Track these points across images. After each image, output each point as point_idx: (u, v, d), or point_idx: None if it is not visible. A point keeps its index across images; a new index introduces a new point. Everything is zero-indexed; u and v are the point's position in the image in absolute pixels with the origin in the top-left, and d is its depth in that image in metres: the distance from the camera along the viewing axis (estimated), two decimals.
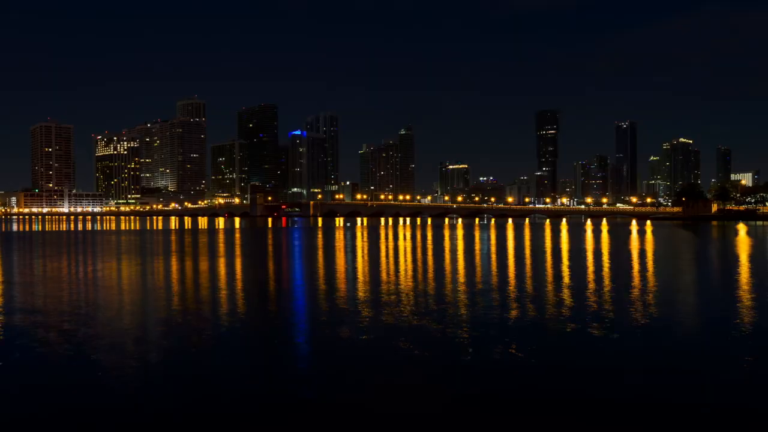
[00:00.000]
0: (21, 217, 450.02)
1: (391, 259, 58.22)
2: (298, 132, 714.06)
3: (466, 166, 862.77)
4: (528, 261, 56.86)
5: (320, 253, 69.81)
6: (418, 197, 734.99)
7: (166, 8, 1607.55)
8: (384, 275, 44.12)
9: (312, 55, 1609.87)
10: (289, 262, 58.58)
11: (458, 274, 44.90)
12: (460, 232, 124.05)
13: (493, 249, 73.26)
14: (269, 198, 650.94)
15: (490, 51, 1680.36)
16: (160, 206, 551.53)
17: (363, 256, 63.11)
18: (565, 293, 34.52)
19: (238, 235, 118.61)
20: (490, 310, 28.75)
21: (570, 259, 59.00)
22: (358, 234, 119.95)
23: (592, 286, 37.90)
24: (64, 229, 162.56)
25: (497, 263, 54.10)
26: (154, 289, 38.15)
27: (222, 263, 55.51)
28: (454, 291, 35.64)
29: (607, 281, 40.55)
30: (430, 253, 67.65)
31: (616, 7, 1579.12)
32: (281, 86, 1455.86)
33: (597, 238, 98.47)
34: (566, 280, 41.07)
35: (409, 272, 46.42)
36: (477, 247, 78.14)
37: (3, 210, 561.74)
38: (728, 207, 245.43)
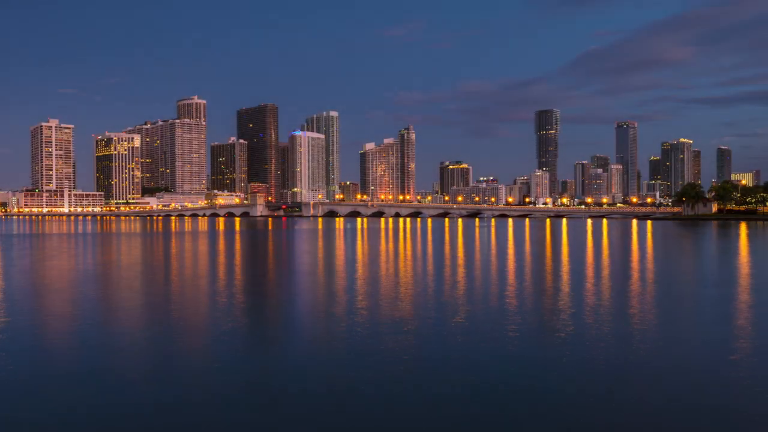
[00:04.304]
0: (21, 217, 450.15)
1: (401, 265, 58.05)
2: (298, 132, 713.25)
3: (466, 166, 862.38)
4: (528, 264, 56.73)
5: (320, 256, 69.69)
6: (418, 197, 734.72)
7: (166, 8, 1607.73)
8: (392, 279, 44.02)
9: (313, 54, 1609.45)
10: (292, 268, 58.43)
11: (474, 278, 44.77)
12: (460, 233, 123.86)
13: (493, 251, 73.13)
14: (269, 198, 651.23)
15: (490, 51, 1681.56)
16: (160, 206, 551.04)
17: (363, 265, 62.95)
18: (564, 293, 34.47)
19: (238, 238, 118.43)
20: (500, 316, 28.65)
21: (571, 261, 58.90)
22: (358, 236, 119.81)
23: (592, 290, 37.78)
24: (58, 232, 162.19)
25: (499, 267, 53.97)
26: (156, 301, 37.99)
27: (222, 267, 55.33)
28: (460, 293, 35.55)
29: (609, 285, 40.42)
30: (430, 259, 67.47)
31: (613, 8, 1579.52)
32: (281, 86, 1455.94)
33: (598, 239, 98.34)
34: (566, 281, 41.00)
35: (409, 275, 46.37)
36: (477, 248, 78.06)
37: (3, 210, 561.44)
38: (728, 207, 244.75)
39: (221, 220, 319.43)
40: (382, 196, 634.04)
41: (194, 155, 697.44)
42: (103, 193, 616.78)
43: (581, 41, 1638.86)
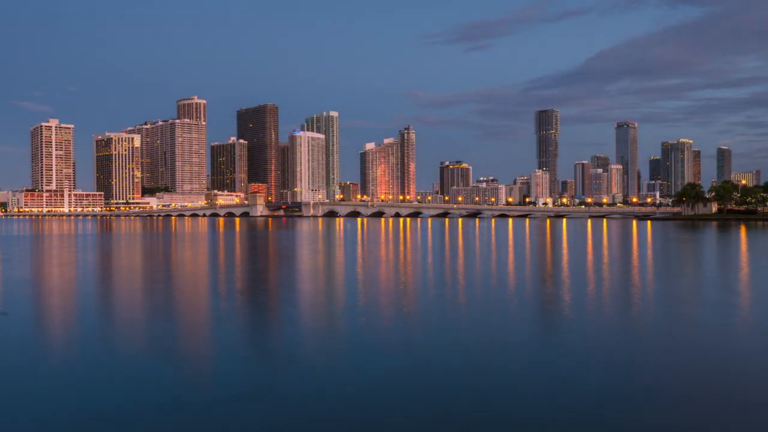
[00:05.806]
0: (21, 217, 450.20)
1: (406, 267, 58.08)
2: (298, 132, 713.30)
3: (466, 166, 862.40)
4: (527, 264, 56.78)
5: (320, 257, 69.76)
6: (418, 197, 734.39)
7: (166, 8, 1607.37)
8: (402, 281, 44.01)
9: (312, 54, 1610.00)
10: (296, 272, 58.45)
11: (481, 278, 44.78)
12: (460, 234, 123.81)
13: (493, 251, 73.20)
14: (269, 198, 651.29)
15: (494, 52, 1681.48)
16: (160, 206, 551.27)
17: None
18: (563, 295, 34.54)
19: (238, 239, 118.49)
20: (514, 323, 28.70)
21: (570, 262, 58.98)
22: (359, 236, 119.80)
23: (592, 289, 37.83)
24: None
25: (499, 267, 54.00)
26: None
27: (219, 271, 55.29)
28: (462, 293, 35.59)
29: (608, 285, 40.45)
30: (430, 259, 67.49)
31: (617, 9, 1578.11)
32: (281, 86, 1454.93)
33: (598, 240, 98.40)
34: (566, 283, 41.05)
35: (410, 275, 46.39)
36: (477, 249, 78.11)
37: (3, 210, 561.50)
38: (728, 207, 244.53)
39: (221, 220, 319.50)
40: (382, 196, 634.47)
41: (194, 155, 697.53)
42: (103, 193, 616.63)
43: (586, 44, 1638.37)
